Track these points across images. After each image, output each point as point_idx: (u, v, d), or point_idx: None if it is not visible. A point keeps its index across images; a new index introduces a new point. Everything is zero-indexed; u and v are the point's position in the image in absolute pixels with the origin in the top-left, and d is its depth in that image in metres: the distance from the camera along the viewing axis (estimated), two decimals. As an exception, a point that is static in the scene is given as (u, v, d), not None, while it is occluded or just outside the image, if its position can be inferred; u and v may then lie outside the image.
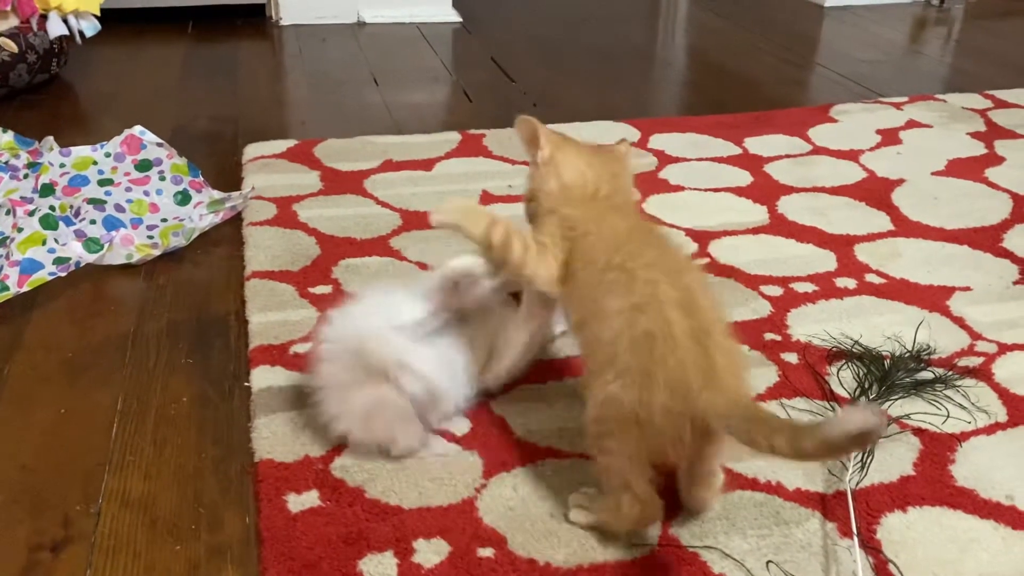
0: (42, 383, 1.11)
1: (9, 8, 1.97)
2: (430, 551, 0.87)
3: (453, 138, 1.87)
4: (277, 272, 1.33)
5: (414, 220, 1.51)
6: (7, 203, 1.39)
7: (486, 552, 0.87)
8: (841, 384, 1.12)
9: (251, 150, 1.77)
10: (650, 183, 1.68)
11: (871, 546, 0.89)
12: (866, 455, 0.98)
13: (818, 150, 1.86)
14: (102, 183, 1.52)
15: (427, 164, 1.74)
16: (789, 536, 0.89)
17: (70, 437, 1.02)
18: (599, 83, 2.31)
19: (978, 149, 1.88)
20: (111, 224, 1.43)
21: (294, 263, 1.36)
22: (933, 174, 1.76)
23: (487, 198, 1.60)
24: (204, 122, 1.96)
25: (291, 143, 1.80)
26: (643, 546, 0.88)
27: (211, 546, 0.88)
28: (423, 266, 1.37)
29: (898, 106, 2.12)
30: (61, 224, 1.38)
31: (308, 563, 0.85)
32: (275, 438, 1.00)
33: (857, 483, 0.96)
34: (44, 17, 2.02)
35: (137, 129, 1.58)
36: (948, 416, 1.06)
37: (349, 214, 1.52)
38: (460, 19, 2.84)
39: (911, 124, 2.01)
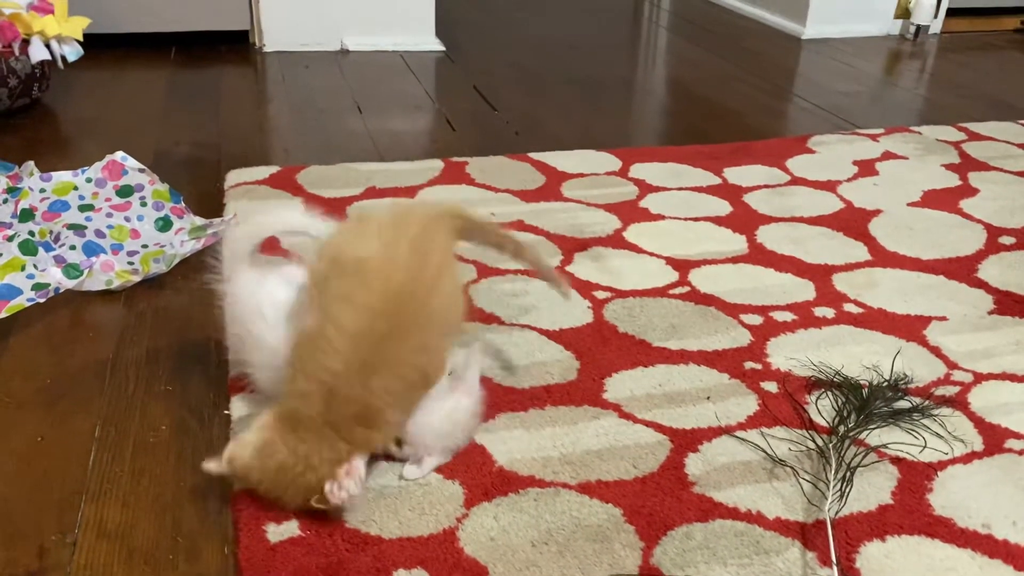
0: (18, 410, 1.10)
1: (-9, 33, 1.96)
2: (411, 581, 0.86)
3: (436, 166, 1.88)
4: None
5: (396, 247, 1.51)
6: (-14, 228, 1.39)
7: (467, 582, 0.86)
8: (820, 413, 1.13)
9: (233, 176, 1.77)
10: (631, 211, 1.69)
11: (851, 575, 0.89)
12: (845, 484, 0.99)
13: (796, 180, 1.89)
14: (83, 208, 1.52)
15: (410, 191, 1.74)
16: (769, 565, 0.90)
17: (46, 465, 1.01)
18: (581, 112, 2.33)
19: (953, 180, 1.91)
20: (91, 250, 1.42)
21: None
22: (909, 205, 1.79)
23: (469, 226, 1.61)
24: (186, 148, 1.96)
25: (274, 169, 1.81)
26: (624, 574, 0.88)
27: (189, 577, 0.87)
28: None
29: (874, 138, 2.15)
30: (40, 249, 1.37)
31: (287, 594, 0.84)
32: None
33: (836, 512, 0.96)
34: (26, 42, 2.02)
35: (119, 155, 1.57)
36: (925, 446, 1.07)
37: (331, 241, 1.52)
38: (443, 48, 2.87)
39: (887, 155, 2.04)
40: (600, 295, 1.39)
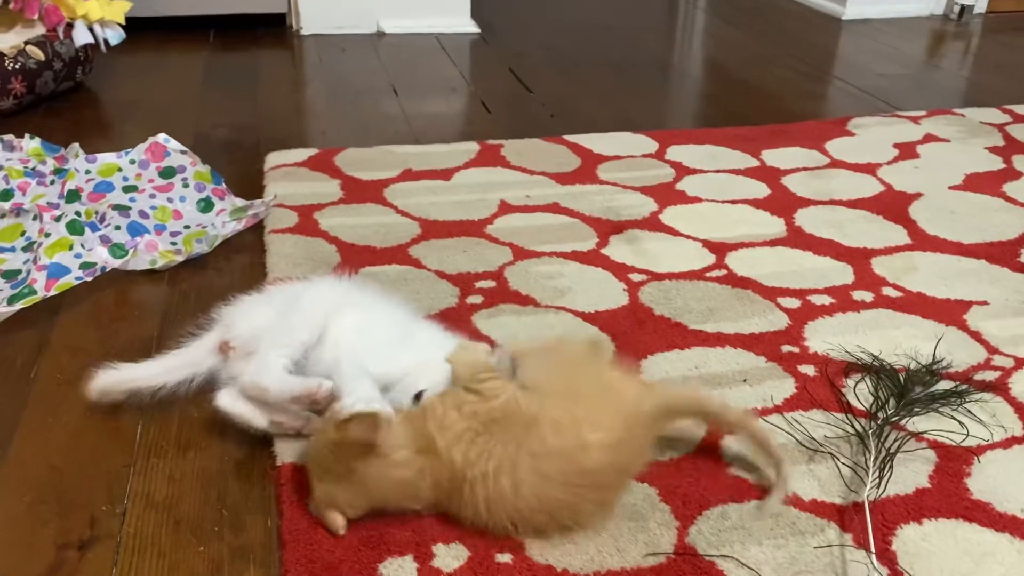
0: (68, 385, 1.13)
1: (36, 17, 2.00)
2: (449, 556, 0.88)
3: (471, 148, 1.88)
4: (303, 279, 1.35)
5: (433, 229, 1.53)
6: (34, 208, 1.42)
7: (504, 558, 0.88)
8: (858, 397, 1.13)
9: (272, 158, 1.79)
10: (667, 194, 1.69)
11: (887, 557, 0.89)
12: (884, 470, 0.99)
13: (835, 163, 1.87)
14: (127, 189, 1.55)
15: (446, 174, 1.75)
16: (804, 546, 0.90)
17: (96, 439, 1.04)
18: (616, 94, 2.32)
19: (996, 164, 1.88)
20: (135, 230, 1.45)
21: (315, 271, 1.38)
22: (950, 188, 1.76)
23: (505, 207, 1.62)
24: (226, 130, 1.98)
25: (312, 152, 1.83)
26: (659, 554, 0.89)
27: (234, 548, 0.90)
28: (442, 275, 1.38)
29: (916, 120, 2.12)
30: (87, 229, 1.40)
31: (329, 566, 0.86)
32: (297, 442, 1.01)
33: (875, 497, 0.96)
34: (70, 26, 2.05)
35: (161, 136, 1.60)
36: (968, 435, 1.07)
37: (369, 223, 1.54)
38: (478, 30, 2.87)
39: (929, 138, 2.01)
40: (636, 278, 1.40)
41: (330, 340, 1.04)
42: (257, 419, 1.01)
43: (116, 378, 1.06)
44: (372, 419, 0.88)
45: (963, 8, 3.14)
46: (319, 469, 0.91)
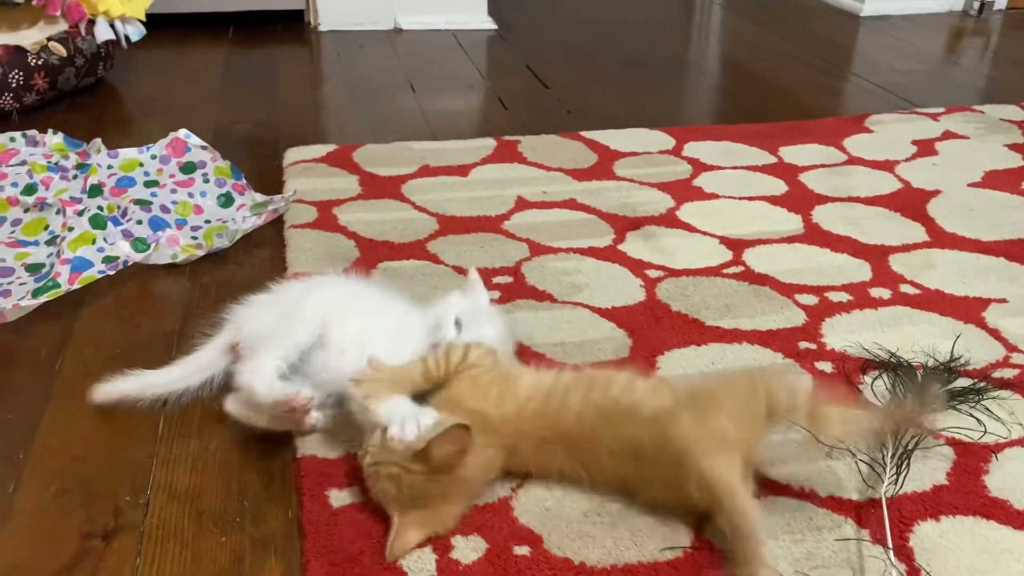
0: (92, 378, 1.14)
1: (59, 13, 2.02)
2: (468, 548, 0.89)
3: (488, 144, 1.89)
4: (317, 274, 1.36)
5: (450, 225, 1.54)
6: (57, 203, 1.44)
7: (522, 550, 0.88)
8: (875, 394, 1.13)
9: (292, 154, 1.81)
10: (684, 190, 1.69)
11: (904, 554, 0.89)
12: (903, 466, 0.99)
13: (853, 160, 1.86)
14: (148, 184, 1.56)
15: (463, 170, 1.76)
16: (822, 541, 0.90)
17: (119, 430, 1.05)
18: (633, 91, 2.32)
19: (1015, 161, 1.87)
20: (157, 225, 1.47)
21: (334, 265, 1.39)
22: (969, 185, 1.75)
23: (522, 203, 1.62)
24: (245, 126, 2.00)
25: (330, 148, 1.84)
26: (676, 548, 0.89)
27: (255, 538, 0.91)
28: (460, 270, 1.39)
29: (934, 117, 2.11)
30: (109, 224, 1.42)
31: (349, 556, 0.87)
32: (317, 435, 1.03)
33: (893, 493, 0.96)
34: (92, 22, 2.07)
35: (182, 132, 1.62)
36: (986, 432, 1.06)
37: (387, 218, 1.55)
38: (495, 26, 2.87)
39: (947, 135, 2.00)
40: (652, 274, 1.40)
41: (335, 347, 1.04)
42: (259, 419, 1.02)
43: (133, 385, 1.07)
44: (454, 432, 0.87)
45: (983, 4, 3.12)
46: (403, 503, 0.89)
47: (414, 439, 0.89)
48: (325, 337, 1.04)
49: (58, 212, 1.43)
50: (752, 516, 0.85)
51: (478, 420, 0.92)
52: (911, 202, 1.67)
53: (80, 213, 1.41)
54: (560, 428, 0.93)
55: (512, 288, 1.35)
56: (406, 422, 0.91)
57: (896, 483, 0.97)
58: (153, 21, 2.27)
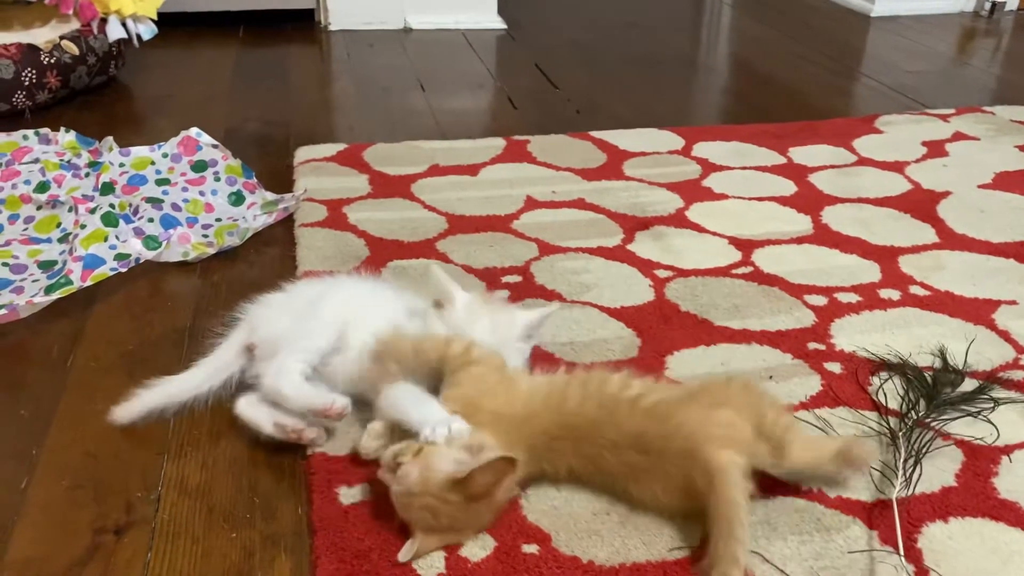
0: (104, 374, 1.15)
1: (71, 12, 2.03)
2: (476, 546, 0.89)
3: (498, 144, 1.89)
4: (327, 273, 1.37)
5: (460, 224, 1.54)
6: (70, 200, 1.45)
7: (531, 548, 0.89)
8: (884, 395, 1.13)
9: (302, 153, 1.81)
10: (693, 190, 1.69)
11: (912, 555, 0.89)
12: (914, 469, 0.99)
13: (863, 161, 1.86)
14: (159, 183, 1.57)
15: (472, 169, 1.77)
16: (830, 542, 0.90)
17: (131, 427, 1.06)
18: (642, 91, 2.32)
19: (1026, 162, 1.87)
20: (168, 223, 1.48)
21: (344, 264, 1.39)
22: (980, 187, 1.75)
23: (531, 203, 1.63)
24: (256, 125, 2.01)
25: (340, 147, 1.85)
26: (685, 548, 0.89)
27: (265, 534, 0.91)
28: (468, 269, 1.39)
29: (945, 118, 2.11)
30: (121, 221, 1.42)
31: (359, 553, 0.88)
32: (327, 432, 1.03)
33: (906, 495, 0.96)
34: (104, 21, 2.08)
35: (193, 131, 1.63)
36: (999, 436, 1.06)
37: (397, 217, 1.56)
38: (504, 26, 2.87)
39: (958, 136, 2.00)
40: (662, 274, 1.40)
41: (354, 352, 1.04)
42: (266, 427, 1.02)
43: (155, 397, 1.07)
44: (499, 464, 0.87)
45: (994, 5, 3.11)
46: (436, 530, 0.88)
47: (449, 465, 0.88)
48: (344, 340, 1.05)
49: (70, 210, 1.44)
50: (743, 513, 0.85)
51: (499, 422, 0.93)
52: (921, 203, 1.67)
53: (92, 211, 1.41)
54: (565, 424, 0.94)
55: (521, 287, 1.35)
56: (437, 427, 0.91)
57: (908, 486, 0.97)
58: (164, 20, 2.28)
